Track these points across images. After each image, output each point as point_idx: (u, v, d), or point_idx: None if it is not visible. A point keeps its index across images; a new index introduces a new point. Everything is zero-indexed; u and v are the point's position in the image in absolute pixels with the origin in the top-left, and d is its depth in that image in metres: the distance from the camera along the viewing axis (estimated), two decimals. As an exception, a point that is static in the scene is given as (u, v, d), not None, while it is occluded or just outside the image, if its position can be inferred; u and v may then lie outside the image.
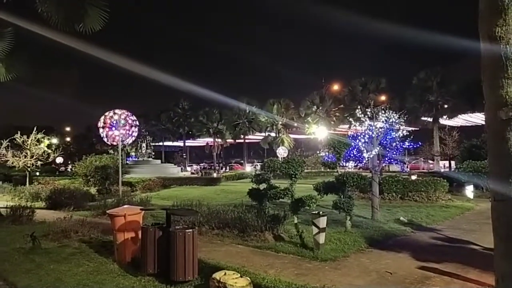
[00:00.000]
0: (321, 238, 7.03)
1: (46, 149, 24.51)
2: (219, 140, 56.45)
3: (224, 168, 52.88)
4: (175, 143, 66.12)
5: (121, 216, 6.17)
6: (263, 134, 51.89)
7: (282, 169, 8.60)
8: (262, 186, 10.13)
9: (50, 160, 25.23)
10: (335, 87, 45.23)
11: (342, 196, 8.93)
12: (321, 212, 7.15)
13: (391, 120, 10.50)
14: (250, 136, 55.48)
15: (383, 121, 10.51)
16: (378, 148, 10.26)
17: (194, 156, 77.12)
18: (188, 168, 52.31)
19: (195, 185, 24.01)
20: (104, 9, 13.38)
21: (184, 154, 63.02)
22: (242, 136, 54.52)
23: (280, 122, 47.59)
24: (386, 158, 10.88)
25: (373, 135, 10.34)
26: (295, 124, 46.90)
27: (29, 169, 22.78)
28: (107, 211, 6.94)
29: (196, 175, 36.37)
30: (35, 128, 23.68)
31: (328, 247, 7.25)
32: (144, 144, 40.37)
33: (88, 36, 13.89)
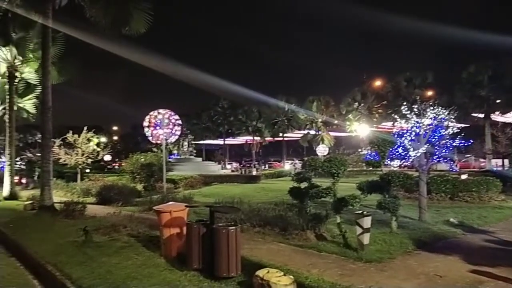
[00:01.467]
0: (366, 239, 6.85)
1: (95, 147, 25.82)
2: (258, 138, 56.72)
3: (263, 166, 53.06)
4: (215, 142, 67.26)
5: (167, 213, 6.37)
6: (302, 132, 51.45)
7: (324, 168, 8.45)
8: (303, 184, 10.04)
9: (99, 158, 26.58)
10: (378, 83, 43.93)
11: (387, 196, 8.64)
12: (365, 212, 6.97)
13: (440, 117, 10.00)
14: (289, 134, 55.20)
15: (431, 118, 10.03)
16: (425, 146, 9.81)
17: (233, 154, 78.04)
18: (228, 166, 53.04)
19: (235, 183, 24.28)
20: (148, 12, 13.92)
21: (223, 152, 64.03)
22: (281, 134, 54.40)
23: (319, 120, 46.96)
24: (435, 157, 10.38)
25: (420, 133, 9.90)
26: (335, 122, 46.06)
27: (80, 166, 24.10)
28: (154, 208, 7.19)
29: (236, 173, 36.77)
30: (85, 128, 25.01)
31: (372, 248, 7.05)
32: (185, 143, 41.46)
33: (133, 38, 14.49)
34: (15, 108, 19.43)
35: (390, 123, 37.38)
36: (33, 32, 17.94)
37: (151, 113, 14.87)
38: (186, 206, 6.89)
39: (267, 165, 55.78)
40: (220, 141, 64.47)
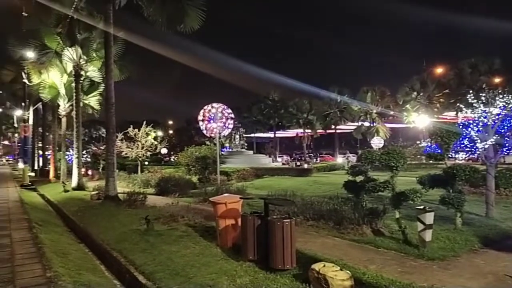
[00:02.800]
0: (428, 235, 6.49)
1: (153, 141, 27.14)
2: (309, 130, 56.03)
3: (314, 159, 52.41)
4: (266, 134, 67.60)
5: (223, 204, 6.50)
6: (355, 124, 49.98)
7: (381, 161, 8.09)
8: (359, 178, 9.74)
9: (157, 151, 27.90)
10: (439, 70, 41.21)
11: (451, 191, 8.11)
12: (427, 208, 6.59)
13: (510, 106, 9.15)
14: (341, 126, 53.90)
15: (500, 107, 9.21)
16: (494, 138, 9.05)
17: (284, 147, 77.95)
18: (279, 159, 53.08)
19: (286, 176, 24.23)
20: (201, 9, 14.22)
21: (274, 145, 64.16)
22: (333, 126, 53.28)
23: (374, 111, 45.28)
24: (504, 149, 9.54)
25: (488, 123, 9.13)
26: (391, 113, 44.12)
27: (140, 159, 25.47)
28: (210, 199, 7.38)
29: (287, 166, 36.68)
30: (144, 122, 26.34)
31: (435, 245, 6.67)
32: (237, 136, 42.14)
33: (187, 35, 14.90)
34: (81, 104, 20.90)
35: (452, 113, 35.06)
36: (96, 32, 19.13)
37: (205, 107, 15.26)
38: (241, 198, 6.99)
39: (318, 158, 54.99)
40: (270, 134, 64.67)
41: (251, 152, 43.66)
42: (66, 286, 5.00)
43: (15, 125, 46.92)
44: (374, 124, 45.41)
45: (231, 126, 15.57)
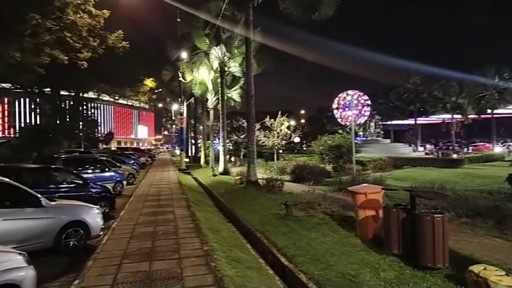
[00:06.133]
0: None
1: (286, 130, 28.11)
2: (459, 116, 49.38)
3: (465, 149, 46.17)
4: (405, 122, 62.48)
5: (362, 194, 6.32)
6: (520, 106, 41.93)
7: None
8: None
9: (291, 139, 28.82)
10: None
11: None
12: None
13: None
14: (500, 110, 45.90)
15: None
16: None
17: (426, 135, 70.85)
18: (420, 148, 48.55)
19: (430, 167, 22.12)
20: (336, -6, 13.90)
21: (414, 133, 58.84)
22: (489, 111, 45.76)
23: (547, 91, 37.15)
24: None
25: None
26: None
27: (276, 147, 26.72)
28: (348, 188, 7.26)
29: (431, 156, 33.35)
30: (279, 112, 27.47)
31: None
32: (372, 124, 40.19)
33: (318, 24, 14.77)
34: (225, 98, 23.03)
35: None
36: (237, 30, 20.72)
37: (340, 95, 14.94)
38: (383, 189, 6.66)
39: (470, 148, 48.23)
40: (410, 121, 59.49)
41: (388, 140, 41.14)
42: (220, 260, 5.63)
43: (173, 117, 54.95)
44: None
45: (367, 113, 14.89)
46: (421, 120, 60.24)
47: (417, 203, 6.95)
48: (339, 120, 15.29)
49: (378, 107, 53.36)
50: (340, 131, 23.25)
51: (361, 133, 42.24)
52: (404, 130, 65.89)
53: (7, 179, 6.44)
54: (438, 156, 31.33)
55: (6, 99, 66.28)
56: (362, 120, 15.55)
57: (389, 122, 58.99)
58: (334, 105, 15.23)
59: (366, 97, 14.75)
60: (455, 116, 49.05)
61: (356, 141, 36.55)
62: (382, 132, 42.96)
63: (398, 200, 7.73)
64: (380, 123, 43.54)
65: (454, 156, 29.42)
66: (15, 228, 5.96)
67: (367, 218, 6.33)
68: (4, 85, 30.64)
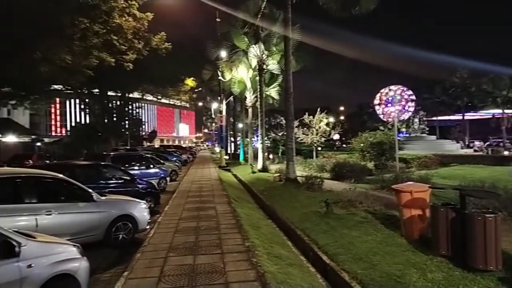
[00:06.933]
0: None
1: (325, 127, 27.69)
2: (510, 111, 46.36)
3: (518, 146, 43.20)
4: (451, 117, 59.48)
5: (407, 192, 6.12)
6: None
7: None
8: None
9: (330, 137, 28.36)
10: None
11: None
12: None
13: None
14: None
15: None
16: None
17: (475, 131, 67.00)
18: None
19: (480, 165, 20.96)
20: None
21: (462, 129, 55.90)
22: (546, 105, 42.60)
23: None
24: None
25: None
26: None
27: (315, 144, 26.42)
28: (392, 186, 7.05)
29: (480, 153, 31.54)
30: (318, 109, 27.12)
31: None
32: (416, 119, 38.65)
33: (358, 20, 14.40)
34: (264, 95, 23.12)
35: None
36: (275, 27, 20.68)
37: (382, 90, 14.46)
38: (430, 187, 6.41)
39: (524, 144, 45.02)
40: (457, 116, 56.60)
41: (433, 137, 39.39)
42: (262, 256, 5.69)
43: (212, 116, 56.02)
44: None
45: (411, 109, 14.29)
46: (469, 115, 57.11)
47: (467, 203, 6.66)
48: (381, 116, 14.81)
49: (423, 102, 51.19)
50: (382, 127, 22.57)
51: (404, 129, 40.72)
52: (450, 126, 62.72)
53: (61, 175, 6.87)
54: (487, 153, 29.53)
55: (58, 100, 70.51)
56: (406, 116, 14.95)
57: (434, 118, 56.38)
58: (376, 101, 14.76)
59: (410, 92, 14.17)
60: (506, 110, 46.02)
61: (398, 138, 35.39)
62: (427, 129, 41.18)
63: (445, 199, 7.39)
64: (424, 119, 41.75)
65: (505, 153, 27.61)
66: (69, 221, 6.35)
67: (412, 218, 6.13)
68: (56, 86, 32.59)
